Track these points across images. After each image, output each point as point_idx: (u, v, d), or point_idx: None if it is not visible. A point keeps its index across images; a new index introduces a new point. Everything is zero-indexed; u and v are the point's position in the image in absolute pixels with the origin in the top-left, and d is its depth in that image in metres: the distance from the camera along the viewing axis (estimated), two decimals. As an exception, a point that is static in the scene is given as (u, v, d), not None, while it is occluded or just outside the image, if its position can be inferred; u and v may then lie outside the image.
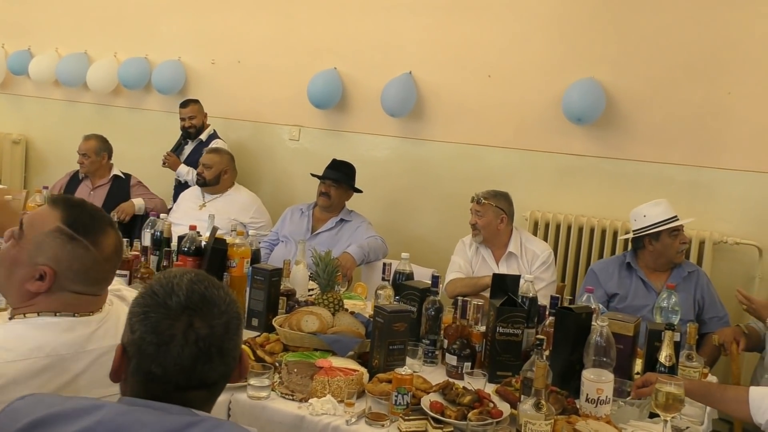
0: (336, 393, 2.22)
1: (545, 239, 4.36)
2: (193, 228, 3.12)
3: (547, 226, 4.37)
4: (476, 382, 2.30)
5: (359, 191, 4.26)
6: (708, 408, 2.39)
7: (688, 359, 2.61)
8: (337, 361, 2.40)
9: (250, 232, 4.37)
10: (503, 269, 3.72)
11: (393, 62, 4.81)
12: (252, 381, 2.21)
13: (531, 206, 4.44)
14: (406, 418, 2.07)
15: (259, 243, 4.32)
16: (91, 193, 4.79)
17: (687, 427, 2.29)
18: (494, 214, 3.71)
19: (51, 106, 6.11)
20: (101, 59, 5.74)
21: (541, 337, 2.13)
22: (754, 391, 2.20)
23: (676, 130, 4.15)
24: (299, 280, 3.31)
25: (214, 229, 3.12)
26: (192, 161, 4.98)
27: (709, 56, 4.06)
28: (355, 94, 5.00)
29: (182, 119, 5.15)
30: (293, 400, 2.22)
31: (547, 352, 2.40)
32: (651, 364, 2.42)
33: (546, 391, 2.20)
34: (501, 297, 2.62)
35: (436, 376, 2.50)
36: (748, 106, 3.98)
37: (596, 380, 2.17)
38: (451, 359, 2.56)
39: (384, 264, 2.90)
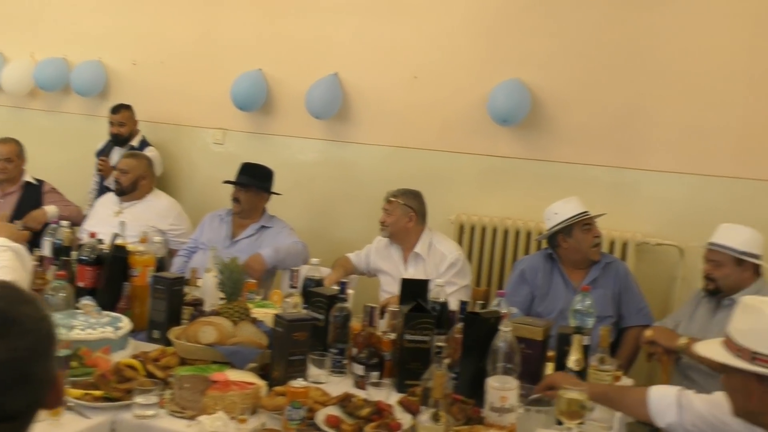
0: (230, 409, 2.09)
1: (470, 242, 4.31)
2: (92, 236, 2.95)
3: (472, 229, 4.31)
4: (378, 393, 2.20)
5: (277, 194, 4.14)
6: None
7: (600, 363, 2.56)
8: (235, 375, 2.28)
9: (166, 239, 4.26)
10: (410, 270, 3.67)
11: (319, 63, 4.69)
12: (138, 398, 2.07)
13: (456, 209, 4.38)
14: (299, 433, 1.97)
15: (178, 251, 4.19)
16: (0, 201, 4.55)
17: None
18: (402, 212, 3.65)
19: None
20: (16, 59, 5.49)
21: (441, 344, 2.04)
22: (653, 391, 2.15)
23: (600, 131, 4.14)
24: (209, 289, 3.15)
25: (114, 236, 2.96)
26: None
27: (632, 57, 4.05)
28: (280, 96, 4.88)
29: (111, 124, 4.93)
30: (183, 417, 2.09)
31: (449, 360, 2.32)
32: (560, 368, 2.36)
33: (447, 401, 2.12)
34: (411, 303, 2.53)
35: (344, 387, 2.40)
36: (670, 107, 3.99)
37: (500, 387, 2.09)
38: (358, 369, 2.46)
39: (291, 271, 2.78)
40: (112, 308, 2.75)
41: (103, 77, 5.30)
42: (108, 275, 2.82)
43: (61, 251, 3.09)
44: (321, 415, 2.02)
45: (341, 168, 4.74)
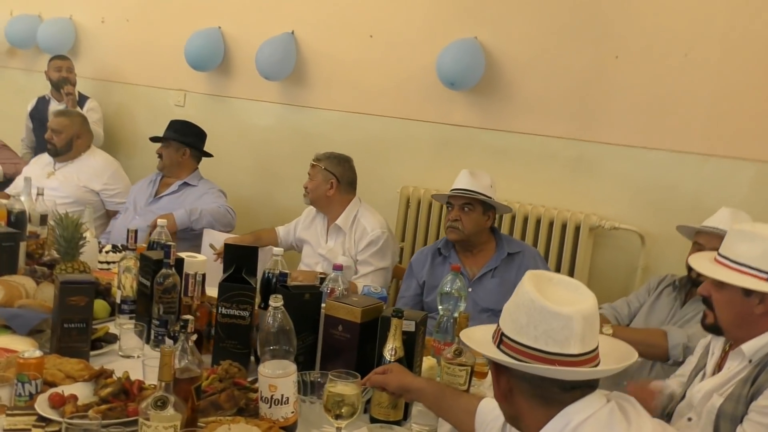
0: (-27, 378, 1.83)
1: (416, 218, 3.93)
2: None
3: (419, 203, 3.91)
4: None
5: (207, 155, 3.91)
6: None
7: (456, 354, 2.18)
8: (10, 341, 2.02)
9: (101, 199, 4.09)
10: (329, 243, 3.35)
11: (275, 21, 4.39)
12: None
13: (405, 180, 4.00)
14: (11, 412, 1.68)
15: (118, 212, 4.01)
16: (-56, 157, 4.47)
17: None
18: (323, 177, 3.35)
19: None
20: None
21: (186, 317, 1.71)
22: (485, 403, 1.77)
23: (560, 100, 3.67)
24: (86, 250, 2.94)
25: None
26: None
27: (596, 19, 3.56)
28: (238, 56, 4.60)
29: (58, 70, 4.75)
30: None
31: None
32: (365, 357, 1.99)
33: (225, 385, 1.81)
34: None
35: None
36: (635, 73, 3.48)
37: (269, 375, 1.75)
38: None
39: (129, 231, 2.49)
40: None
41: (72, 35, 5.15)
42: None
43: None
44: (50, 392, 1.73)
45: (295, 133, 4.43)
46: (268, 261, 2.42)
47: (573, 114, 3.64)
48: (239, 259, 2.23)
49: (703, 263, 1.93)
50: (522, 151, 3.77)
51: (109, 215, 4.11)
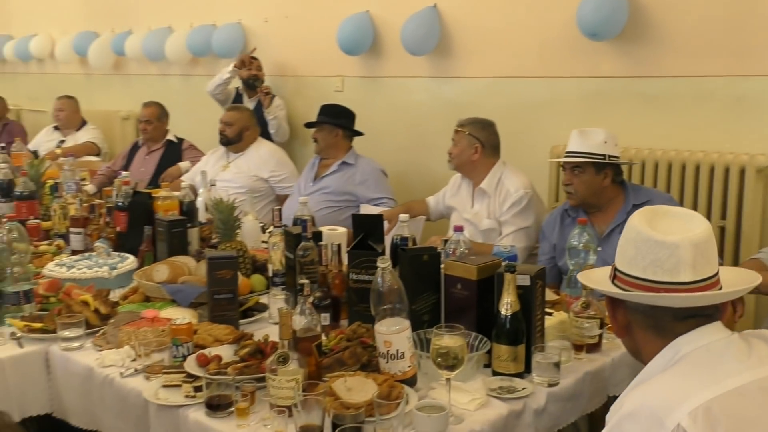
0: (145, 345, 2.13)
1: (569, 177, 3.84)
2: (126, 183, 3.16)
3: (570, 161, 3.82)
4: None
5: (358, 133, 4.14)
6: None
7: (583, 307, 2.17)
8: (174, 312, 2.32)
9: (271, 185, 4.44)
10: (475, 206, 3.40)
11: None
12: (64, 332, 2.19)
13: (556, 140, 3.92)
14: (167, 370, 1.94)
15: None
16: (146, 158, 5.06)
17: (523, 388, 1.90)
18: (468, 142, 3.40)
19: (149, 82, 6.52)
20: (178, 30, 5.99)
21: (303, 281, 1.87)
22: None
23: (713, 36, 3.40)
24: (248, 232, 3.25)
25: (136, 184, 3.14)
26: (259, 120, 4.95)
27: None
28: (386, 36, 4.75)
29: (248, 69, 5.13)
30: (100, 350, 2.17)
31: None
32: (483, 313, 2.03)
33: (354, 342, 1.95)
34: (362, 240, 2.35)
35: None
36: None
37: (384, 332, 1.86)
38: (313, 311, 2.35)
39: (273, 210, 2.72)
40: (136, 250, 2.93)
41: (242, 38, 5.58)
42: (130, 220, 3.00)
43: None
44: (198, 353, 1.97)
45: (445, 104, 4.50)
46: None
47: (730, 49, 3.37)
48: (366, 228, 2.37)
49: None
50: (676, 95, 3.56)
51: (280, 200, 4.45)
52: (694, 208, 3.45)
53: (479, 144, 3.41)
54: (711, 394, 1.23)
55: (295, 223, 2.82)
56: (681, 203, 3.46)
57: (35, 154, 4.78)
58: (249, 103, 5.09)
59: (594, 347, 2.15)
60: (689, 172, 3.43)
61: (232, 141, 4.48)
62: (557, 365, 1.95)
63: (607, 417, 1.34)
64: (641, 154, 3.59)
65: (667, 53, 3.56)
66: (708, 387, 1.24)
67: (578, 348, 2.13)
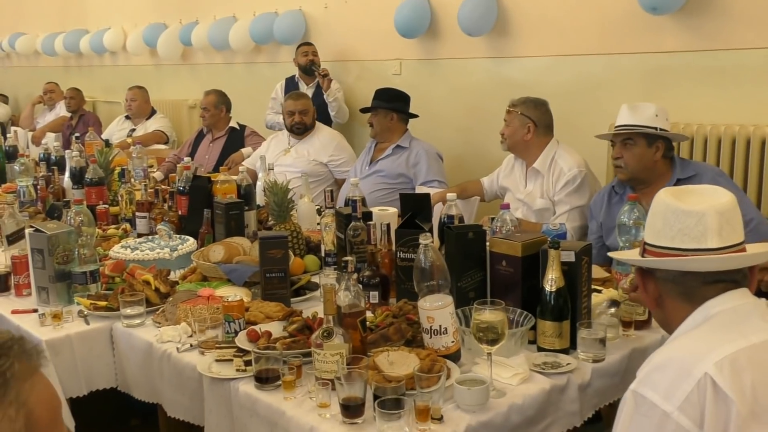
0: (200, 321, 2.22)
1: (630, 155, 3.76)
2: (187, 168, 3.26)
3: (631, 139, 3.74)
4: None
5: (413, 116, 4.15)
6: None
7: (633, 284, 2.14)
8: (228, 291, 2.39)
9: (330, 170, 4.50)
10: (528, 186, 3.37)
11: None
12: (126, 310, 2.30)
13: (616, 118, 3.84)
14: (219, 345, 2.02)
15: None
16: (210, 145, 5.21)
17: (567, 364, 1.89)
18: (520, 122, 3.37)
19: (215, 71, 6.68)
20: (242, 19, 6.11)
21: (347, 258, 1.91)
22: None
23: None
24: (303, 213, 3.32)
25: (196, 169, 3.24)
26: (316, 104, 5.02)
27: None
28: (443, 18, 4.73)
29: (305, 54, 5.23)
30: (159, 327, 2.27)
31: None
32: (530, 290, 2.03)
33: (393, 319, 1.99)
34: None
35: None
36: None
37: (427, 308, 1.89)
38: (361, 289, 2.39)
39: (325, 191, 2.77)
40: (197, 233, 3.03)
41: (303, 24, 5.65)
42: (191, 203, 3.11)
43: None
44: (248, 329, 2.04)
45: (502, 84, 4.46)
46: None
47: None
48: (414, 207, 2.40)
49: None
50: (743, 68, 3.44)
51: (339, 183, 4.51)
52: (760, 186, 3.34)
53: (532, 123, 3.38)
54: (737, 346, 1.29)
55: (346, 204, 2.87)
56: (745, 181, 3.36)
57: (107, 142, 4.97)
58: (308, 90, 5.16)
59: (643, 324, 2.12)
60: (754, 147, 3.31)
61: (309, 128, 4.55)
62: (603, 341, 1.93)
63: (638, 372, 1.37)
64: (703, 130, 3.49)
65: (733, 25, 3.44)
66: (734, 341, 1.30)
67: (627, 325, 2.10)
